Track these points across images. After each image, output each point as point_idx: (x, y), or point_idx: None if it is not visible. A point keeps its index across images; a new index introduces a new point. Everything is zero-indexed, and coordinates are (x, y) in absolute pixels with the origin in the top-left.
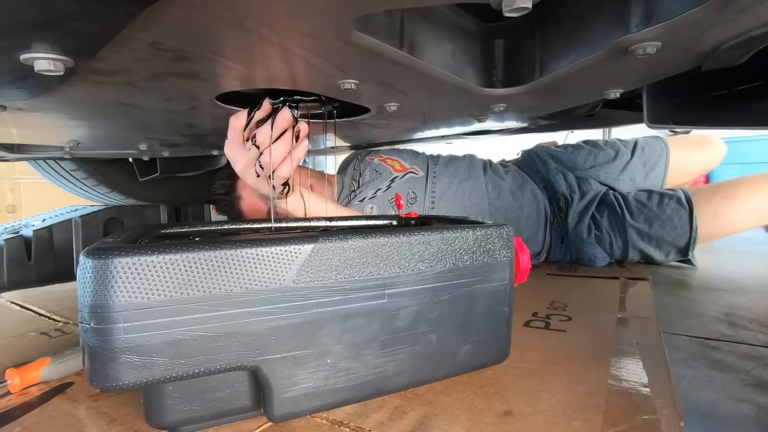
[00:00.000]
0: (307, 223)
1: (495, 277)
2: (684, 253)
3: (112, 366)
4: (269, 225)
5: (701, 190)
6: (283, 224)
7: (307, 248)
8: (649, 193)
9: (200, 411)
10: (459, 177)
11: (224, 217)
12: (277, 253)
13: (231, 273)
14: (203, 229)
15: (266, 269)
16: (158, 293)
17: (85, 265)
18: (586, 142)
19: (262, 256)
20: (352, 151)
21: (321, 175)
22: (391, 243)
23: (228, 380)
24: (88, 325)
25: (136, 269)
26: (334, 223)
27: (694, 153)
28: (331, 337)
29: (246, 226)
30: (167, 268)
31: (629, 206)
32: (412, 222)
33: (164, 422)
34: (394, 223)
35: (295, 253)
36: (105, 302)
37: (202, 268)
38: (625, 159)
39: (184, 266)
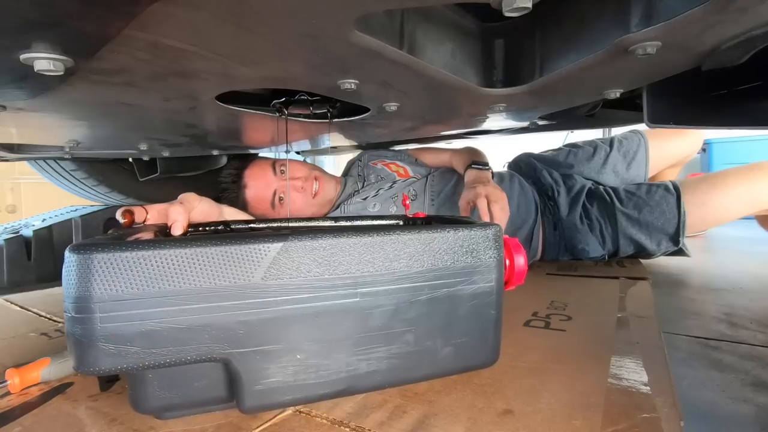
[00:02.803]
0: (314, 223)
1: (480, 278)
2: (675, 241)
3: (91, 352)
4: (286, 224)
5: (689, 180)
6: (293, 224)
7: (275, 246)
8: (638, 184)
9: (178, 399)
10: (454, 180)
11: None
12: (245, 251)
13: (200, 269)
14: (207, 227)
15: (234, 266)
16: (132, 287)
17: (69, 260)
18: (566, 145)
19: (230, 253)
20: (355, 155)
21: (324, 174)
22: (363, 243)
23: (205, 371)
24: (70, 315)
25: (112, 264)
26: (341, 223)
27: (672, 141)
28: (301, 334)
29: (255, 225)
30: (140, 264)
31: (619, 195)
32: (418, 222)
33: (146, 408)
34: (401, 222)
35: (264, 251)
36: (84, 294)
37: (173, 264)
38: (604, 152)
39: (156, 262)
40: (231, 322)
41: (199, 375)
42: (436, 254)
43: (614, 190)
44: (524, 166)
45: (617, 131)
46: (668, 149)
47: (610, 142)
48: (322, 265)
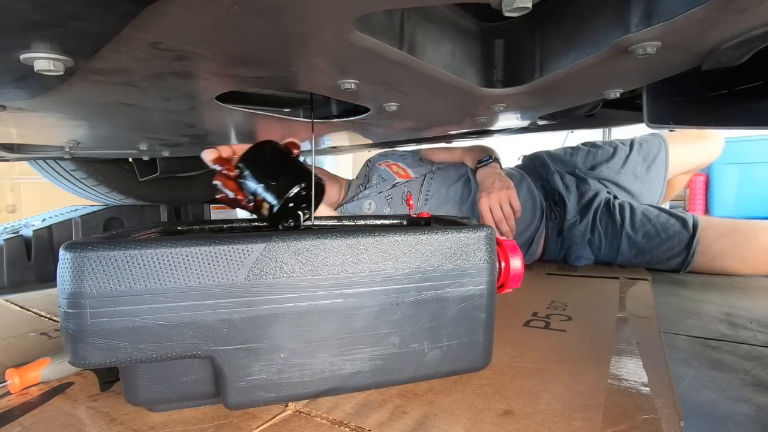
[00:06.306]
0: (320, 222)
1: (470, 281)
2: (674, 271)
3: (81, 346)
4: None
5: (714, 225)
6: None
7: (258, 247)
8: (660, 211)
9: (168, 393)
10: (453, 178)
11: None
12: (228, 251)
13: (184, 268)
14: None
15: (217, 266)
16: (120, 284)
17: (64, 257)
18: (584, 143)
19: (215, 253)
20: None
21: (328, 175)
22: (346, 244)
23: (193, 367)
24: (63, 310)
25: (102, 262)
26: (343, 222)
27: (693, 146)
28: (284, 333)
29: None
30: (127, 262)
31: (634, 218)
32: (422, 222)
33: (137, 400)
34: (404, 223)
35: (247, 251)
36: (76, 290)
37: (158, 263)
38: (624, 154)
39: (142, 261)
40: (215, 320)
41: (187, 370)
42: (423, 256)
43: (632, 210)
44: (538, 165)
45: (617, 131)
46: (688, 154)
47: (630, 144)
48: (305, 266)
